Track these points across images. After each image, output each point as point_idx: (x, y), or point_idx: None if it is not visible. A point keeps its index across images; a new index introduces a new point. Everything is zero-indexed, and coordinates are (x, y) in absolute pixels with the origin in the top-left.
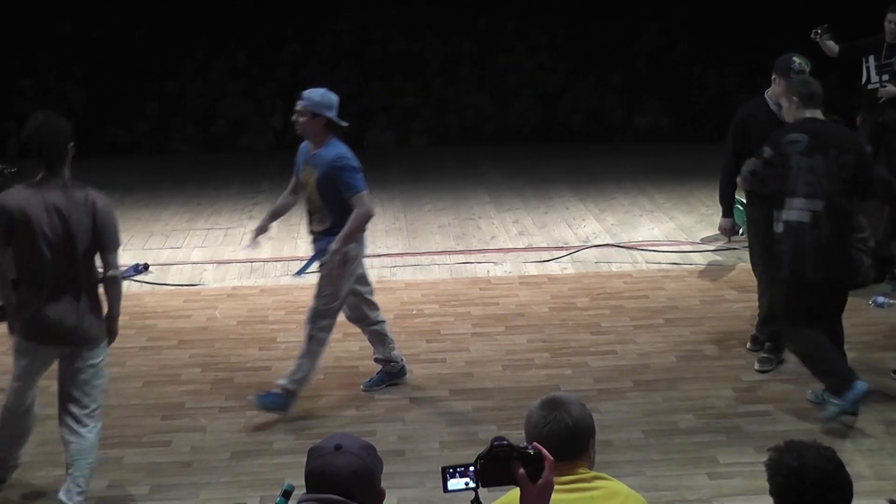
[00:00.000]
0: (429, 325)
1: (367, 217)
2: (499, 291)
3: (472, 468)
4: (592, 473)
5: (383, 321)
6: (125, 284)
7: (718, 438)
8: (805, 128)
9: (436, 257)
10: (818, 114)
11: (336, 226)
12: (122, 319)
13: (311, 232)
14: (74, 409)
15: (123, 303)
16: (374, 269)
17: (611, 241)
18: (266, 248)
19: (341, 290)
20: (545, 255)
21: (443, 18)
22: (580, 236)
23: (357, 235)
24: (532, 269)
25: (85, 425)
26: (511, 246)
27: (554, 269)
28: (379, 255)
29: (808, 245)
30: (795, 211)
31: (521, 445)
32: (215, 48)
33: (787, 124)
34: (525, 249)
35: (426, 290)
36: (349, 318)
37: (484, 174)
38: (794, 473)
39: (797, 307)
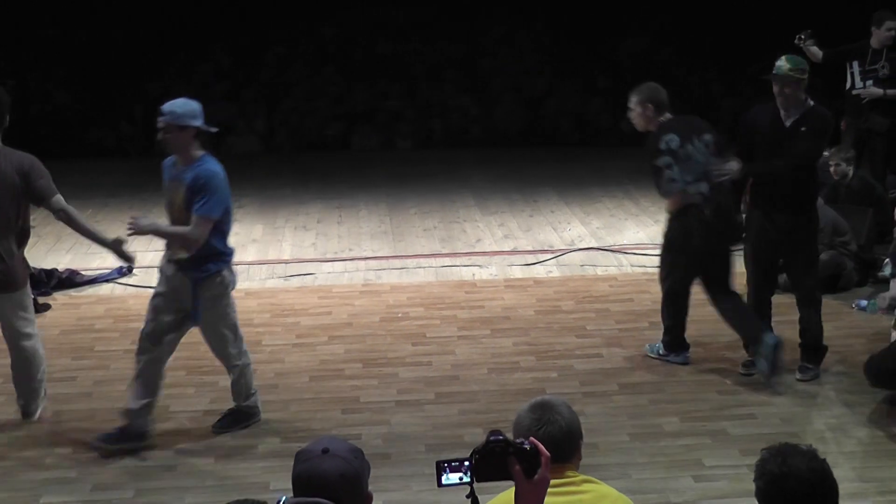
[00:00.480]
0: (414, 328)
1: (195, 243)
2: (484, 294)
3: (466, 463)
4: (581, 476)
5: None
6: (109, 287)
7: (704, 441)
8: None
9: (421, 260)
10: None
11: (203, 251)
12: (106, 322)
13: (172, 260)
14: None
15: (107, 305)
16: (360, 272)
17: (596, 245)
18: (251, 250)
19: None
20: (530, 259)
21: (428, 22)
22: (565, 239)
23: (176, 243)
24: (517, 273)
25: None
26: (496, 249)
27: (539, 272)
28: (364, 258)
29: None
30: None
31: (518, 441)
32: (199, 51)
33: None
34: (510, 253)
35: (412, 293)
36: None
37: (469, 177)
38: (774, 479)
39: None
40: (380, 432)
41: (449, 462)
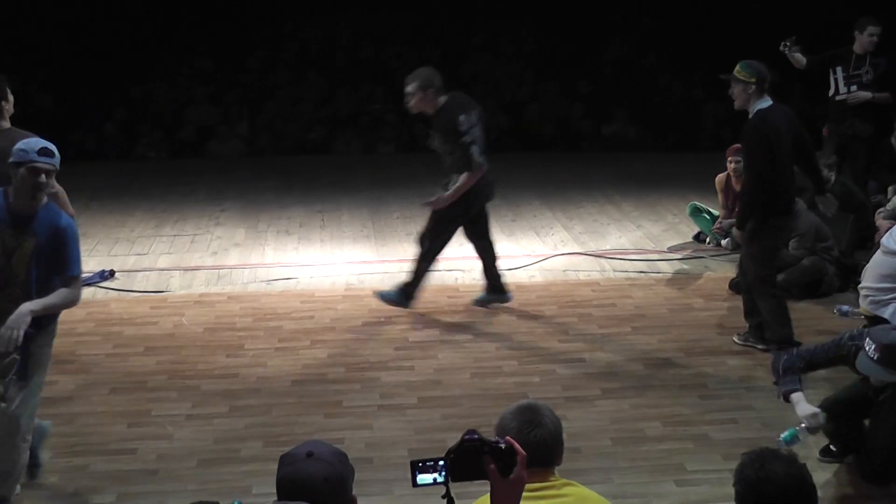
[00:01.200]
0: (397, 332)
1: (74, 304)
2: (467, 299)
3: (441, 462)
4: (562, 480)
5: None
6: (91, 291)
7: (686, 446)
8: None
9: (404, 265)
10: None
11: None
12: (88, 326)
13: None
14: None
15: (89, 309)
16: (343, 277)
17: (578, 250)
18: (233, 255)
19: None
20: (513, 263)
21: (411, 26)
22: (548, 244)
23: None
24: None
25: None
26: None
27: (522, 276)
28: (347, 263)
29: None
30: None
31: (493, 440)
32: (182, 54)
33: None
34: None
35: None
36: None
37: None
38: (752, 484)
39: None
40: (362, 437)
41: (423, 462)
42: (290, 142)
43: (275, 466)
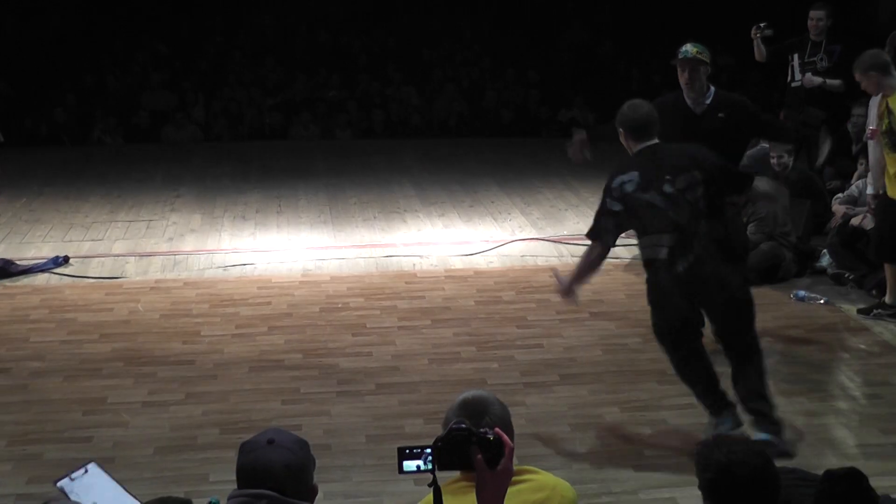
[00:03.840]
0: (354, 318)
1: None
2: (425, 285)
3: (428, 450)
4: (519, 468)
5: None
6: (45, 277)
7: (644, 431)
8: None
9: (361, 251)
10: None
11: None
12: (42, 313)
13: None
14: None
15: (43, 296)
16: (300, 262)
17: (536, 235)
18: (189, 240)
19: None
20: (470, 249)
21: (368, 12)
22: (506, 230)
23: None
24: (458, 263)
25: None
26: (437, 240)
27: (480, 262)
28: (304, 248)
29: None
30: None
31: (481, 430)
32: (137, 39)
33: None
34: (451, 243)
35: (352, 284)
36: None
37: (409, 168)
38: (723, 469)
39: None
40: (320, 423)
41: (410, 449)
42: (247, 127)
43: (232, 454)
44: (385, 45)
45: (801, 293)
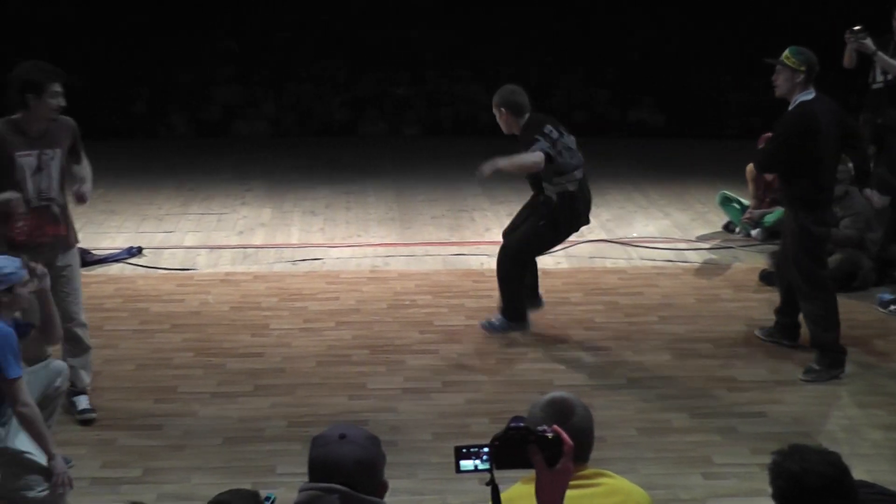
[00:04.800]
0: (422, 315)
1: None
2: (492, 284)
3: (485, 449)
4: (593, 470)
5: None
6: (119, 267)
7: (713, 438)
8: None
9: (429, 248)
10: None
11: None
12: (115, 302)
13: None
14: None
15: (117, 285)
16: (367, 259)
17: (605, 237)
18: (259, 234)
19: None
20: None
21: (437, 8)
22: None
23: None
24: None
25: None
26: None
27: (548, 263)
28: (372, 245)
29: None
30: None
31: (540, 429)
32: (207, 34)
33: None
34: None
35: (419, 281)
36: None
37: (477, 166)
38: (795, 478)
39: (538, 250)
40: (386, 419)
41: (467, 448)
42: (316, 122)
43: (299, 446)
44: (453, 43)
45: (887, 297)
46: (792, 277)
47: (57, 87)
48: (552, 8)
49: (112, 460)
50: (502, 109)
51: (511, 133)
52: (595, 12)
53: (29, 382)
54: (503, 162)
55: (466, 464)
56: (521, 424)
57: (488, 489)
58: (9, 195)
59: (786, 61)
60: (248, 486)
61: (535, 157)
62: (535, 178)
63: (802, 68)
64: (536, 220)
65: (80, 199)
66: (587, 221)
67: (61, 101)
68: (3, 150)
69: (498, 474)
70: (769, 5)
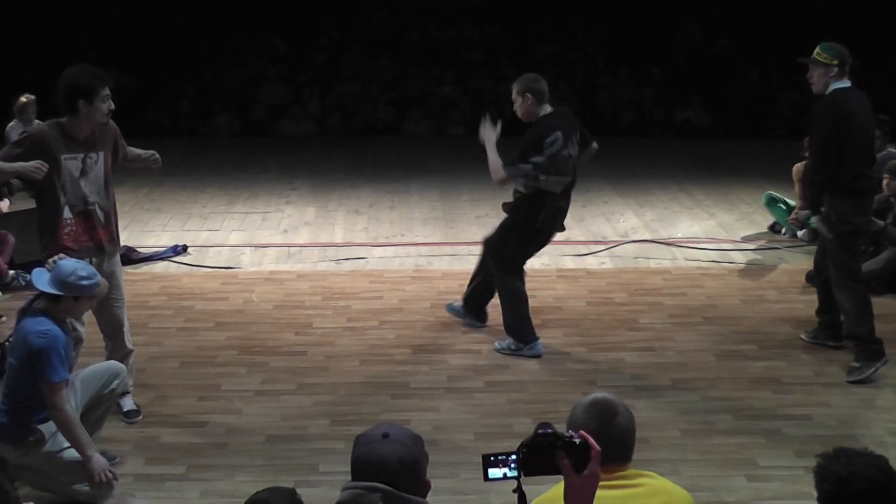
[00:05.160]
0: None
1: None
2: (536, 284)
3: (513, 457)
4: (635, 471)
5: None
6: (164, 265)
7: (757, 440)
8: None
9: (473, 248)
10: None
11: None
12: (160, 300)
13: None
14: None
15: (162, 283)
16: (411, 258)
17: (649, 237)
18: (303, 233)
19: None
20: (583, 249)
21: (482, 8)
22: (619, 231)
23: None
24: (570, 263)
25: None
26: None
27: (592, 263)
28: (416, 244)
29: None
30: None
31: (567, 434)
32: (254, 35)
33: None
34: (563, 243)
35: (463, 281)
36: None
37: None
38: (841, 481)
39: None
40: (429, 418)
41: (495, 456)
42: (360, 122)
43: (342, 445)
44: (498, 42)
45: None
46: (829, 271)
47: (107, 92)
48: (598, 8)
49: (156, 457)
50: (528, 96)
51: (527, 121)
52: (641, 12)
53: (85, 381)
54: (490, 149)
55: (495, 472)
56: (549, 430)
57: (544, 488)
58: (36, 164)
59: (817, 58)
60: (290, 485)
61: (501, 175)
62: None
63: (835, 62)
64: (504, 221)
65: (155, 162)
66: (561, 229)
67: (111, 105)
68: (50, 151)
69: (525, 482)
70: (818, 3)
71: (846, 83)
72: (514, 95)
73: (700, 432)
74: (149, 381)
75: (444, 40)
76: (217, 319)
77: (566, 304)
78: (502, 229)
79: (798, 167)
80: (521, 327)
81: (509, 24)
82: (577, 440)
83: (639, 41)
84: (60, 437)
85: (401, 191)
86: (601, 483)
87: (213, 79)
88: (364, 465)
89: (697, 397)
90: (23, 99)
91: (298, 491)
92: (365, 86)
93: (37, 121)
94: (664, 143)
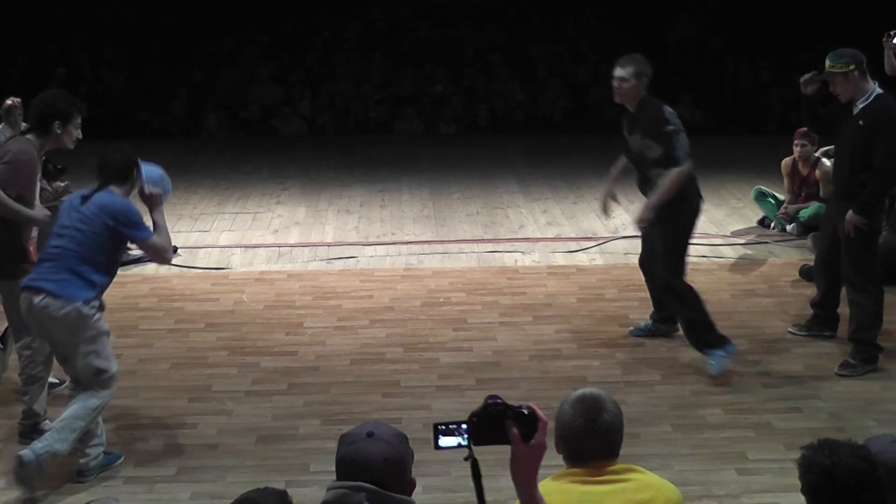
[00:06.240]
0: (456, 313)
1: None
2: (527, 281)
3: (464, 426)
4: (623, 466)
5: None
6: (154, 266)
7: (747, 434)
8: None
9: (464, 246)
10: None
11: None
12: (151, 301)
13: None
14: None
15: (152, 284)
16: (402, 257)
17: (639, 233)
18: (294, 233)
19: None
20: (574, 246)
21: (474, 7)
22: (609, 227)
23: None
24: (560, 260)
25: None
26: (539, 235)
27: (582, 259)
28: (407, 243)
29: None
30: None
31: (516, 405)
32: (245, 34)
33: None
34: (554, 239)
35: (454, 279)
36: None
37: (513, 164)
38: (825, 472)
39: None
40: (420, 417)
41: (447, 425)
42: (352, 121)
43: (333, 445)
44: (491, 41)
45: None
46: (845, 271)
47: (80, 120)
48: (590, 5)
49: (146, 459)
50: (643, 79)
51: (624, 104)
52: (633, 9)
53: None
54: (655, 202)
55: (446, 441)
56: (499, 401)
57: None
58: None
59: (833, 70)
60: (281, 485)
61: (681, 173)
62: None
63: (852, 66)
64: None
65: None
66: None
67: (80, 134)
68: (36, 165)
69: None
70: (808, 1)
71: (875, 84)
72: (624, 76)
73: (690, 426)
74: (139, 383)
75: (435, 39)
76: (208, 320)
77: (557, 301)
78: (668, 232)
79: (787, 161)
80: (710, 330)
81: (501, 22)
82: (526, 411)
83: (630, 38)
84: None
85: (392, 190)
86: (589, 479)
87: (204, 79)
88: (349, 465)
89: (688, 392)
90: (9, 102)
91: (290, 491)
92: (356, 85)
93: (30, 136)
94: None
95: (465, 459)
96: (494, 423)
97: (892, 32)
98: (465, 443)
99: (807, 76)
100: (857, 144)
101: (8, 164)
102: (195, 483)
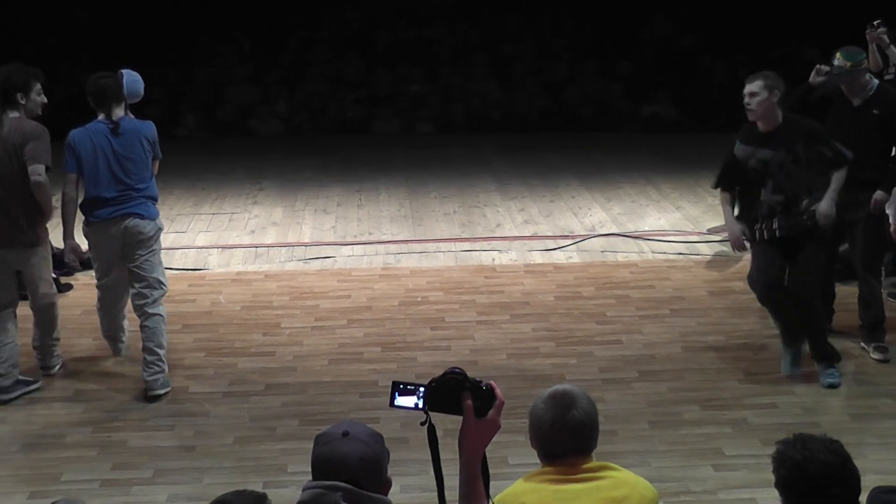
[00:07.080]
0: (433, 312)
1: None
2: (504, 279)
3: (422, 389)
4: (599, 463)
5: None
6: None
7: (724, 430)
8: None
9: (441, 245)
10: None
11: None
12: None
13: None
14: None
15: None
16: (380, 256)
17: (617, 231)
18: (271, 233)
19: None
20: (551, 244)
21: (450, 6)
22: (586, 225)
23: None
24: (538, 258)
25: None
26: (516, 234)
27: (559, 257)
28: (384, 242)
29: None
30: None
31: (477, 379)
32: (221, 34)
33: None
34: (531, 238)
35: (431, 278)
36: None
37: (490, 162)
38: (797, 466)
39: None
40: (397, 416)
41: (405, 384)
42: (329, 121)
43: (311, 445)
44: (467, 40)
45: None
46: (855, 260)
47: (39, 86)
48: (566, 3)
49: (123, 462)
50: (776, 93)
51: (761, 121)
52: (609, 7)
53: None
54: (829, 203)
55: (403, 400)
56: (459, 371)
57: (508, 483)
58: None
59: (859, 66)
60: (259, 486)
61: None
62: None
63: (865, 63)
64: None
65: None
66: None
67: (44, 99)
68: None
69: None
70: None
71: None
72: (756, 90)
73: (667, 423)
74: (116, 385)
75: (412, 38)
76: (184, 321)
77: (534, 299)
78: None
79: None
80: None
81: (477, 21)
82: (484, 386)
83: (606, 36)
84: None
85: (369, 189)
86: (565, 477)
87: (180, 80)
88: (325, 464)
89: (665, 388)
90: None
91: (268, 493)
92: (333, 84)
93: (12, 114)
94: (632, 137)
95: (422, 424)
96: (451, 391)
97: (875, 23)
98: (420, 404)
99: (824, 69)
100: (872, 132)
101: (39, 139)
102: (172, 485)
